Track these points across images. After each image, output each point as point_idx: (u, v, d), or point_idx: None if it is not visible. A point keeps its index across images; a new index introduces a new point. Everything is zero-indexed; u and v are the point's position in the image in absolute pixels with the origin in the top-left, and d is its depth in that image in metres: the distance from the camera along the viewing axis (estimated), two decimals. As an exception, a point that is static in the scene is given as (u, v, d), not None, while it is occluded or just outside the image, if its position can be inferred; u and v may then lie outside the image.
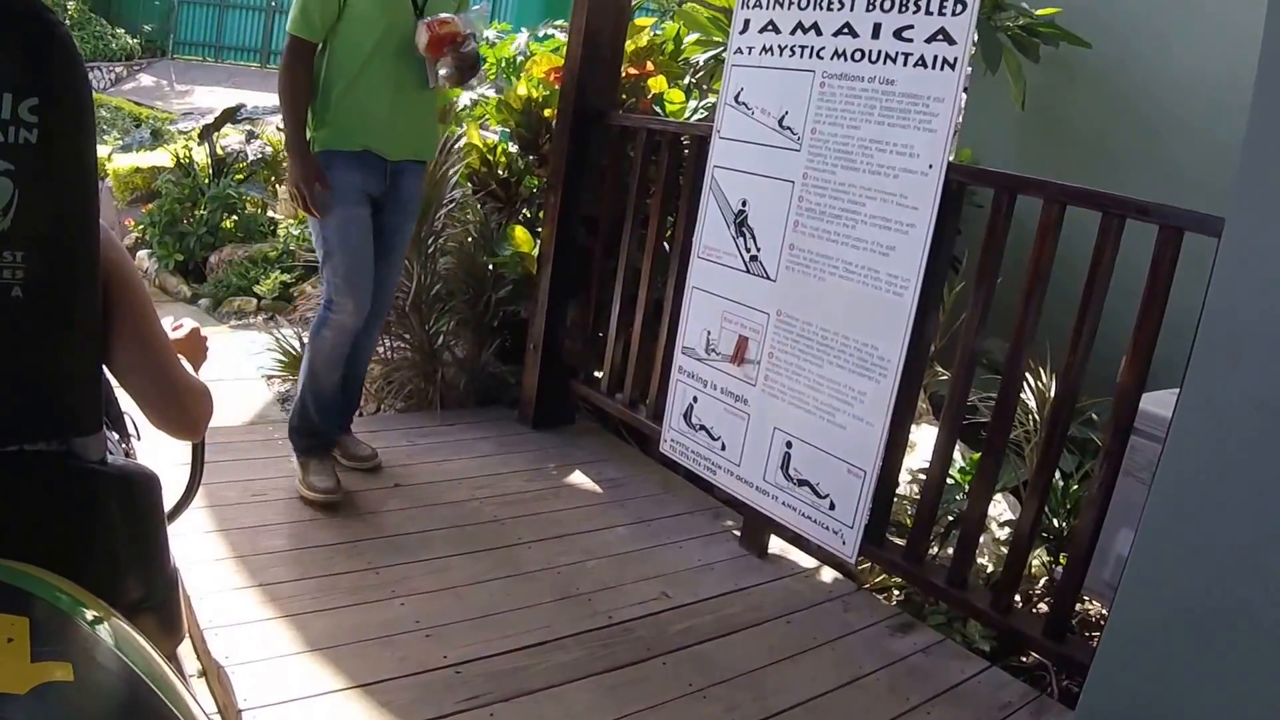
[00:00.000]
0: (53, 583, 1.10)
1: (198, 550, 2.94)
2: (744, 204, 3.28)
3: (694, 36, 4.82)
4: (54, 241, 1.21)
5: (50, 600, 1.07)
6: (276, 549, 3.05)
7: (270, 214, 7.97)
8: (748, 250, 3.27)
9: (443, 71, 3.31)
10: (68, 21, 13.11)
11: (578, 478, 3.87)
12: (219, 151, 8.33)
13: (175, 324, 1.72)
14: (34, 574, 1.10)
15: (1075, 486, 3.39)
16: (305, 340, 3.72)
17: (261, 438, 3.93)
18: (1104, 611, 3.14)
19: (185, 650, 2.45)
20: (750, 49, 3.24)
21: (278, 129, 9.62)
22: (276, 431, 3.79)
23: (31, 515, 1.25)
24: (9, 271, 1.17)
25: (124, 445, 1.64)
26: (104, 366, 1.37)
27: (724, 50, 4.37)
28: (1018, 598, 2.91)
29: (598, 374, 4.26)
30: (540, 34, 5.36)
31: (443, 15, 3.27)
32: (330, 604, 2.78)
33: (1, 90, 1.13)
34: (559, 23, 5.24)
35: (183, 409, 1.48)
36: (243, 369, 5.07)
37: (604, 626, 2.83)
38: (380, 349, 4.50)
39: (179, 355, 1.51)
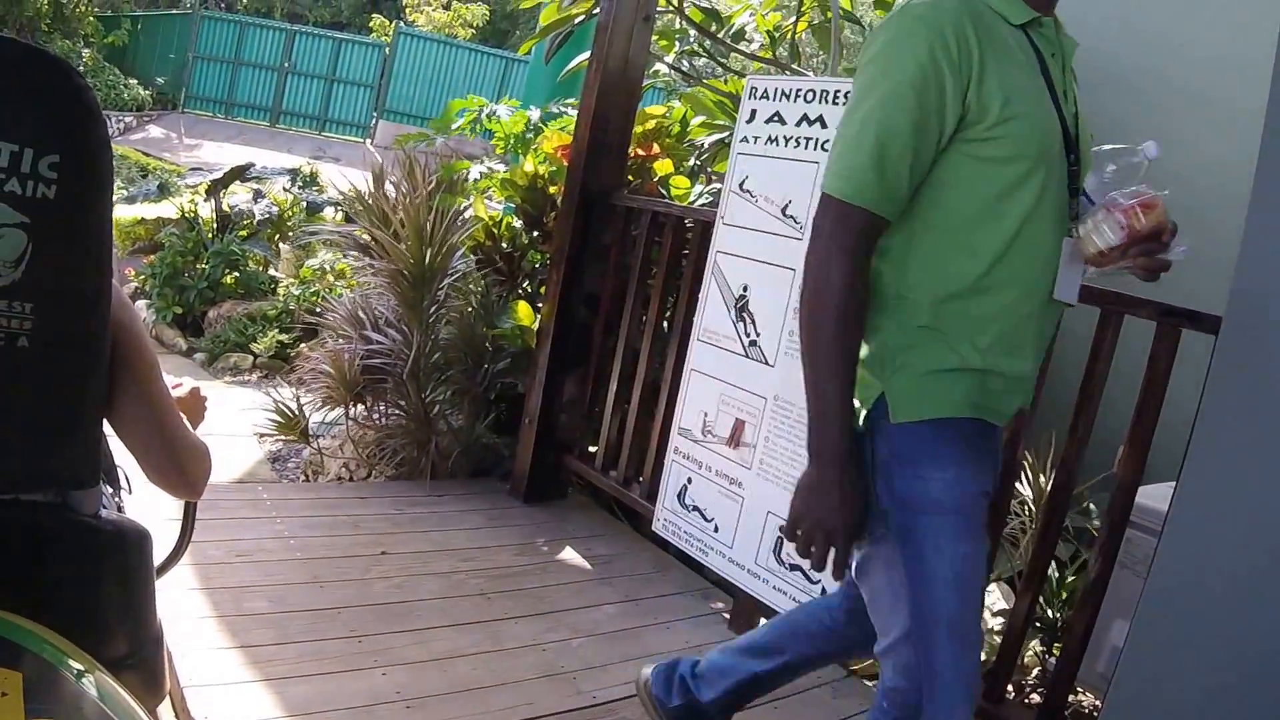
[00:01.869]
0: (39, 634, 1.11)
1: (181, 608, 2.92)
2: (745, 289, 3.33)
3: (700, 119, 4.92)
4: (64, 296, 1.23)
5: (38, 653, 1.07)
6: (260, 611, 3.03)
7: (272, 272, 8.04)
8: (747, 335, 3.31)
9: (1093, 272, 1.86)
10: (81, 68, 13.34)
11: (568, 554, 3.87)
12: (225, 208, 8.43)
13: (175, 382, 1.74)
14: (22, 625, 1.10)
15: (1071, 577, 3.40)
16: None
17: (250, 497, 3.94)
18: (1098, 703, 3.13)
19: (164, 708, 2.44)
20: (756, 138, 3.31)
21: (284, 189, 9.75)
22: (265, 491, 3.80)
23: (22, 565, 1.26)
24: (17, 322, 1.18)
25: (116, 499, 1.65)
26: (105, 421, 1.38)
27: (729, 135, 4.46)
28: (1010, 688, 2.90)
29: (592, 449, 4.28)
30: (554, 110, 5.47)
31: (1145, 194, 1.74)
32: (312, 670, 2.77)
33: (23, 145, 1.15)
34: (570, 101, 5.34)
35: (183, 468, 1.49)
36: (235, 426, 5.08)
37: (588, 706, 2.81)
38: (374, 415, 4.52)
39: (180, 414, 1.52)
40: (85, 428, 1.31)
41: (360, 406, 4.52)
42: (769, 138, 3.26)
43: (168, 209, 9.19)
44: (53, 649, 1.10)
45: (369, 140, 18.79)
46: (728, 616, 3.48)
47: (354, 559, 3.48)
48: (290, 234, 8.52)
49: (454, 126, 5.93)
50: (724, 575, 3.40)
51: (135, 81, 19.25)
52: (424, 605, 3.23)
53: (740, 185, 3.36)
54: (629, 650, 3.17)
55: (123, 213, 9.14)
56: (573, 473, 4.38)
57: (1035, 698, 3.19)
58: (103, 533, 1.36)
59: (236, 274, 7.79)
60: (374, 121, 20.15)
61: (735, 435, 3.32)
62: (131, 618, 1.41)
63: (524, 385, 4.39)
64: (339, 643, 2.93)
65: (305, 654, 2.84)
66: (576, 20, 4.89)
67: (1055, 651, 3.17)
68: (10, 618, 1.11)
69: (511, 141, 5.53)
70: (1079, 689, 3.10)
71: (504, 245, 4.74)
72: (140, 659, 1.41)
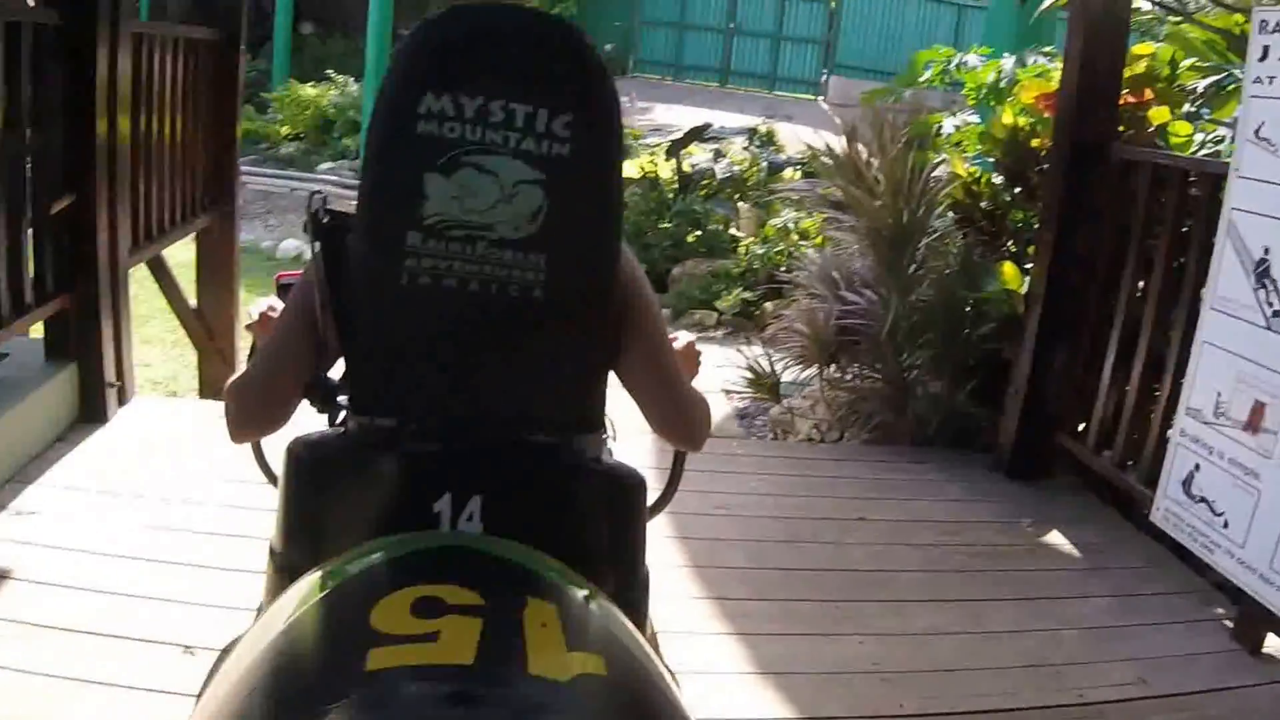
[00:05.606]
0: (557, 568, 1.17)
1: (657, 555, 3.07)
2: (1266, 252, 3.04)
3: (1190, 60, 4.55)
4: (576, 249, 1.34)
5: (563, 586, 1.14)
6: (734, 564, 3.17)
7: (733, 231, 8.32)
8: (1269, 304, 3.03)
9: None
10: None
11: (1054, 538, 3.73)
12: (686, 168, 8.81)
13: (671, 335, 1.84)
14: (543, 559, 1.17)
15: None
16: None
17: (724, 451, 4.08)
18: None
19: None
20: (1272, 79, 3.00)
21: (743, 149, 10.08)
22: (739, 447, 3.95)
23: (529, 502, 1.37)
24: (533, 274, 1.31)
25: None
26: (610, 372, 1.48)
27: (1224, 76, 4.12)
28: None
29: (1082, 427, 4.10)
30: (1029, 59, 5.29)
31: None
32: (784, 629, 2.86)
33: (537, 106, 1.27)
34: (1048, 49, 5.13)
35: (690, 421, 1.60)
36: (702, 382, 5.34)
37: (1073, 705, 2.71)
38: (848, 377, 4.59)
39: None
40: (593, 375, 1.42)
41: (833, 367, 4.59)
42: (1289, 76, 2.97)
43: (628, 169, 9.77)
44: (567, 583, 1.15)
45: (822, 98, 18.93)
46: (1229, 625, 3.21)
47: (830, 522, 3.55)
48: (750, 193, 8.78)
49: (921, 79, 5.88)
50: (1230, 577, 3.13)
51: (584, 48, 20.47)
52: (902, 577, 3.25)
53: (1256, 133, 3.06)
54: (1120, 650, 3.02)
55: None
56: (1060, 450, 4.22)
57: None
58: (604, 475, 1.46)
59: (699, 233, 8.13)
60: (825, 78, 20.23)
61: (1254, 419, 3.08)
62: (624, 559, 1.50)
63: (1009, 353, 4.26)
64: (814, 605, 3.01)
65: (779, 613, 2.94)
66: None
67: None
68: (533, 552, 1.17)
69: (983, 92, 5.39)
70: None
71: (984, 204, 4.65)
72: (628, 601, 1.44)
